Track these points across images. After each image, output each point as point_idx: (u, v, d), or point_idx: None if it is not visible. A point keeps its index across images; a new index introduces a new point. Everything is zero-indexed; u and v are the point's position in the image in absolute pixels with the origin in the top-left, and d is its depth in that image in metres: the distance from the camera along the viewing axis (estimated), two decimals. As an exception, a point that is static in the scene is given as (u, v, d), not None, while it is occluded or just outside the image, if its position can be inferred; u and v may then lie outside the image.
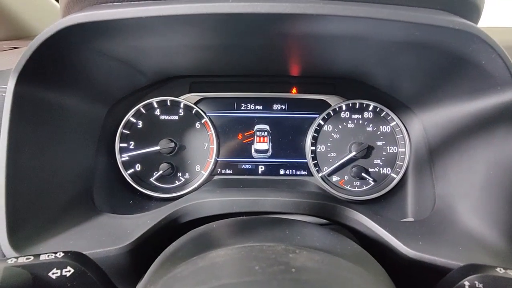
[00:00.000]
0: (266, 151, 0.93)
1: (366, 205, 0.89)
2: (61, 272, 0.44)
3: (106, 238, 0.60)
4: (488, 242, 0.60)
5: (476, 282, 0.45)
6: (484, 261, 0.54)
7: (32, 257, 0.44)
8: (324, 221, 0.73)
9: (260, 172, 0.93)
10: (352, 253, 0.50)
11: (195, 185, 0.89)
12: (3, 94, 0.60)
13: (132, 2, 0.52)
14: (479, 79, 0.60)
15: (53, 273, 0.44)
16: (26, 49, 0.55)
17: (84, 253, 0.47)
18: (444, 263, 0.56)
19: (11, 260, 0.43)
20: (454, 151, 0.73)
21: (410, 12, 0.51)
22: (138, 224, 0.65)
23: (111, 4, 0.53)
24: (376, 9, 0.51)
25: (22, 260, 0.44)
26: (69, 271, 0.45)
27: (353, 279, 0.39)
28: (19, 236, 0.56)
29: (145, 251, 0.61)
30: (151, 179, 0.90)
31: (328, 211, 0.71)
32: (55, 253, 0.45)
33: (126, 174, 0.88)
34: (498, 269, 0.45)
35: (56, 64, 0.61)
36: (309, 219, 0.74)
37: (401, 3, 0.53)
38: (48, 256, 0.45)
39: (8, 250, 0.54)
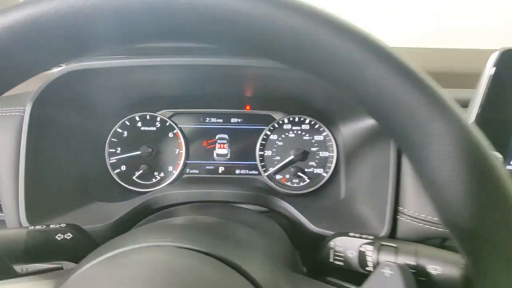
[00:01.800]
0: (225, 155, 1.13)
1: (303, 197, 1.12)
2: (64, 236, 0.60)
3: (95, 218, 0.83)
4: (367, 221, 0.84)
5: (333, 242, 0.68)
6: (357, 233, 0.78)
7: (44, 226, 0.65)
8: (265, 209, 0.97)
9: (220, 172, 1.14)
10: (263, 220, 0.74)
11: (168, 182, 1.10)
12: (22, 114, 0.84)
13: (114, 56, 0.77)
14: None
15: (58, 236, 0.59)
16: (40, 85, 0.79)
17: None
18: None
19: (31, 227, 0.65)
20: (357, 155, 0.97)
21: None
22: (119, 209, 0.87)
23: (102, 57, 0.78)
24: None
25: (38, 227, 0.65)
26: (69, 235, 0.61)
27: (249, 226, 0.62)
28: (34, 214, 0.78)
29: (124, 228, 0.85)
30: (133, 177, 1.09)
31: (266, 201, 0.94)
32: (60, 224, 0.69)
33: (113, 173, 1.10)
34: (350, 233, 0.68)
35: (64, 95, 0.85)
36: (254, 208, 0.98)
37: None
38: (55, 225, 0.65)
39: (25, 223, 0.78)
